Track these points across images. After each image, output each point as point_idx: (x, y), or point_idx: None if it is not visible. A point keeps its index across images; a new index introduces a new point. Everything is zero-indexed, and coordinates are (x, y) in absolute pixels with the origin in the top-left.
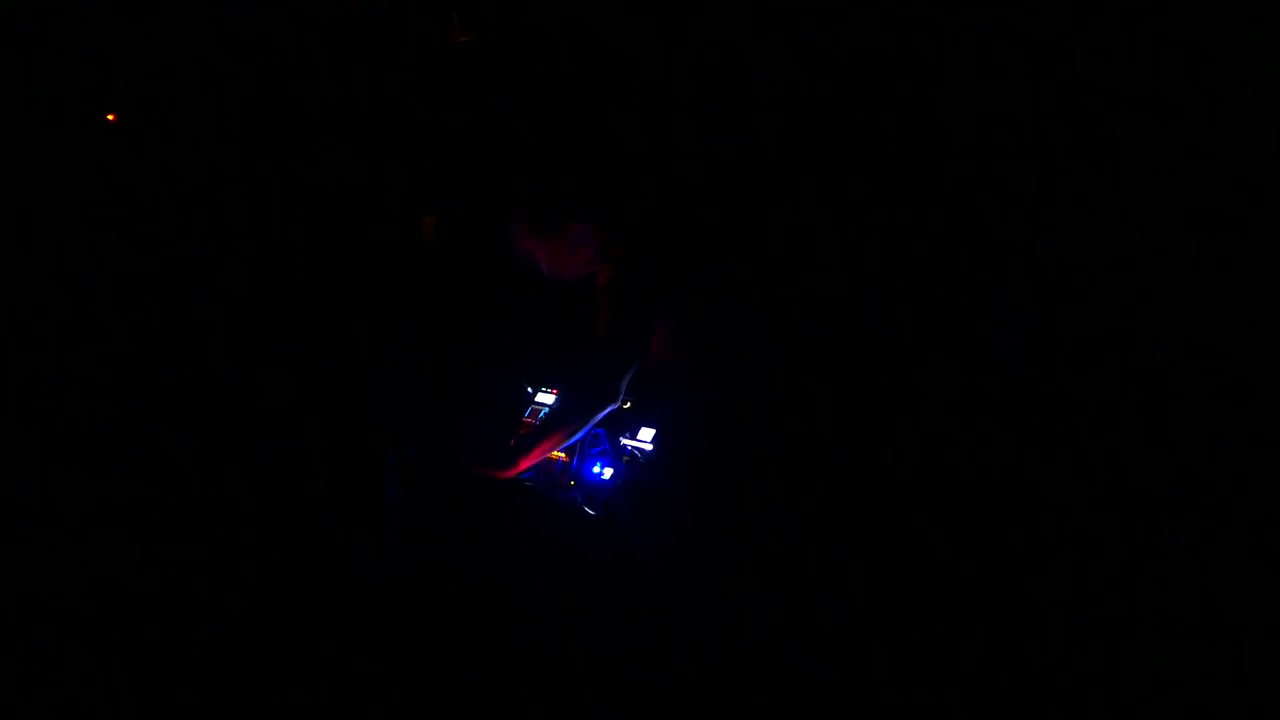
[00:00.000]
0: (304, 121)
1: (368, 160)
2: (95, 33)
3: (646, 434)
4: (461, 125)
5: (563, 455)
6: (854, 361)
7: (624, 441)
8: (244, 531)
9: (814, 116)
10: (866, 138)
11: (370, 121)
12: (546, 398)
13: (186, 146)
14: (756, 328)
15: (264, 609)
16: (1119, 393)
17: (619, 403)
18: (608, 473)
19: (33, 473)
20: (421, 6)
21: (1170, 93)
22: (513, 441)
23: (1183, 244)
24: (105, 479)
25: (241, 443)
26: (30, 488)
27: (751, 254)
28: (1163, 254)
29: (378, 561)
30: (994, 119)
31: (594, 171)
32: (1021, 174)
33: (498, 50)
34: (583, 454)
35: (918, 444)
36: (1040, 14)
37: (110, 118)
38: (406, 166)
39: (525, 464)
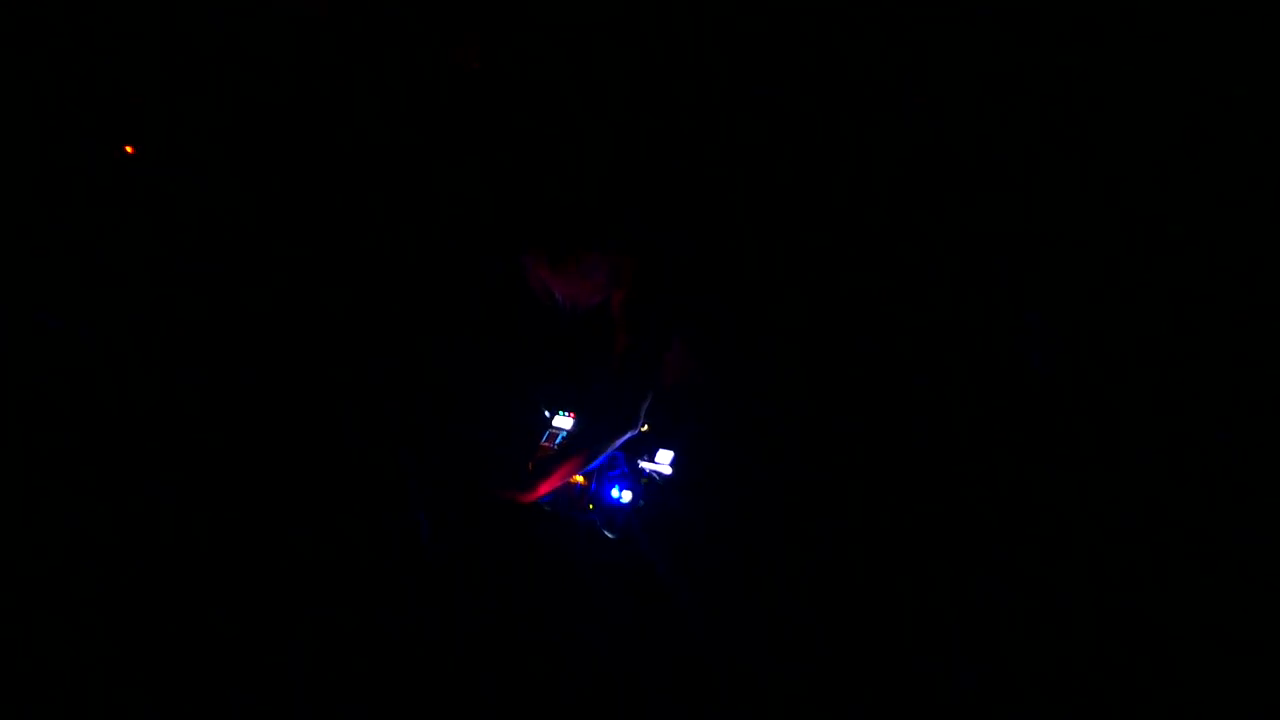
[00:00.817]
0: (319, 149)
1: (384, 188)
2: (116, 64)
3: (664, 456)
4: (474, 154)
5: (581, 479)
6: (875, 379)
7: (642, 464)
8: (264, 555)
9: (827, 131)
10: (886, 153)
11: (384, 150)
12: (564, 422)
13: (206, 176)
14: (772, 348)
15: (285, 632)
16: (1150, 406)
17: (638, 428)
18: (626, 496)
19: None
20: (434, 35)
21: (1211, 107)
22: (531, 466)
23: (1214, 255)
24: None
25: (264, 468)
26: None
27: (766, 274)
28: (1196, 266)
29: (399, 586)
30: (1024, 130)
31: (602, 201)
32: (1052, 184)
33: (507, 80)
34: (601, 477)
35: (944, 464)
36: (1088, 28)
37: (129, 150)
38: (423, 194)
39: (545, 488)
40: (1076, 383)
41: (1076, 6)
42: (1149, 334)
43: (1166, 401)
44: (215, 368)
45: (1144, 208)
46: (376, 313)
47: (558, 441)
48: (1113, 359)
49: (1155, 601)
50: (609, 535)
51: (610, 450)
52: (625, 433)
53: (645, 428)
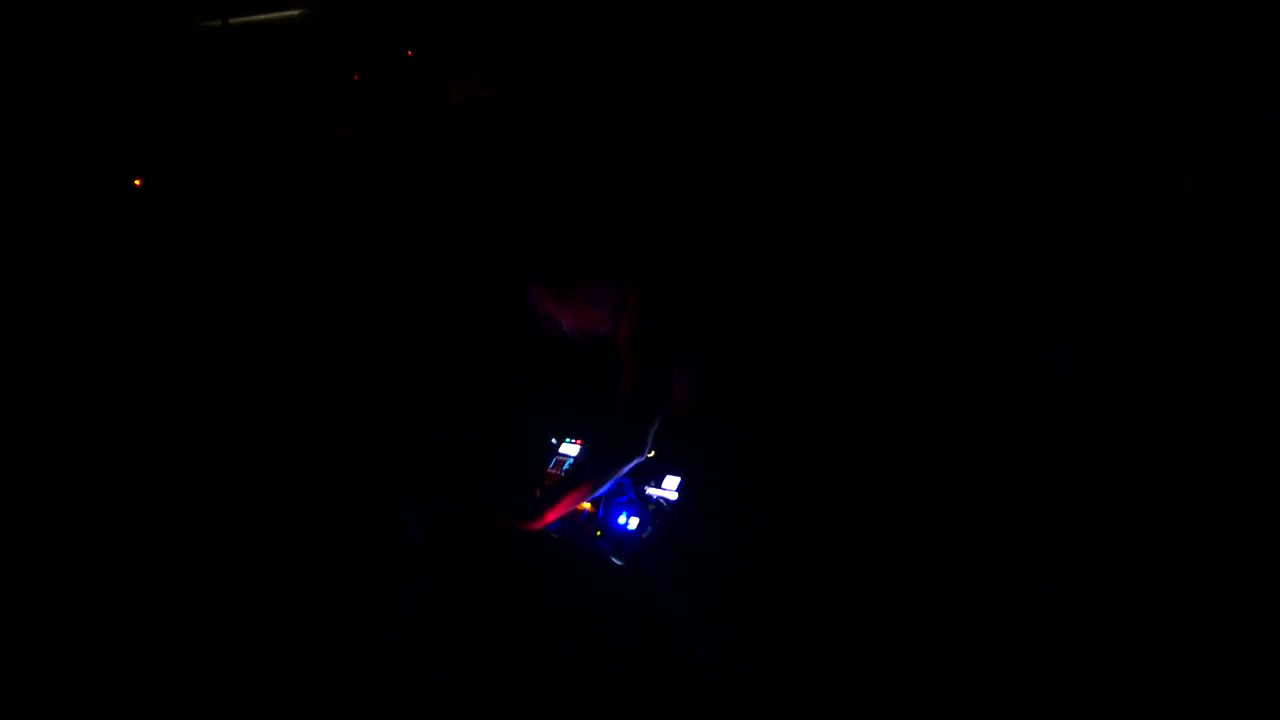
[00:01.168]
0: (329, 181)
1: (396, 215)
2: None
3: (671, 483)
4: (477, 183)
5: (589, 506)
6: (885, 402)
7: (649, 491)
8: (271, 583)
9: (830, 153)
10: (893, 172)
11: (390, 182)
12: (571, 449)
13: (214, 214)
14: (779, 373)
15: (288, 663)
16: (1170, 419)
17: (645, 454)
18: (634, 523)
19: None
20: (438, 67)
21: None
22: (538, 493)
23: (1223, 259)
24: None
25: (271, 493)
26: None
27: (774, 298)
28: (1209, 269)
29: (404, 615)
30: (1034, 136)
31: (602, 230)
32: (1064, 191)
33: (508, 110)
34: (608, 504)
35: (958, 490)
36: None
37: (137, 183)
38: (433, 219)
39: (551, 516)
40: (1098, 389)
41: (1107, 12)
42: (1165, 338)
43: (1178, 406)
44: (227, 387)
45: (1158, 212)
46: (385, 339)
47: (565, 468)
48: (1131, 363)
49: (1166, 608)
50: (616, 562)
51: (617, 477)
52: (632, 459)
53: (652, 454)
